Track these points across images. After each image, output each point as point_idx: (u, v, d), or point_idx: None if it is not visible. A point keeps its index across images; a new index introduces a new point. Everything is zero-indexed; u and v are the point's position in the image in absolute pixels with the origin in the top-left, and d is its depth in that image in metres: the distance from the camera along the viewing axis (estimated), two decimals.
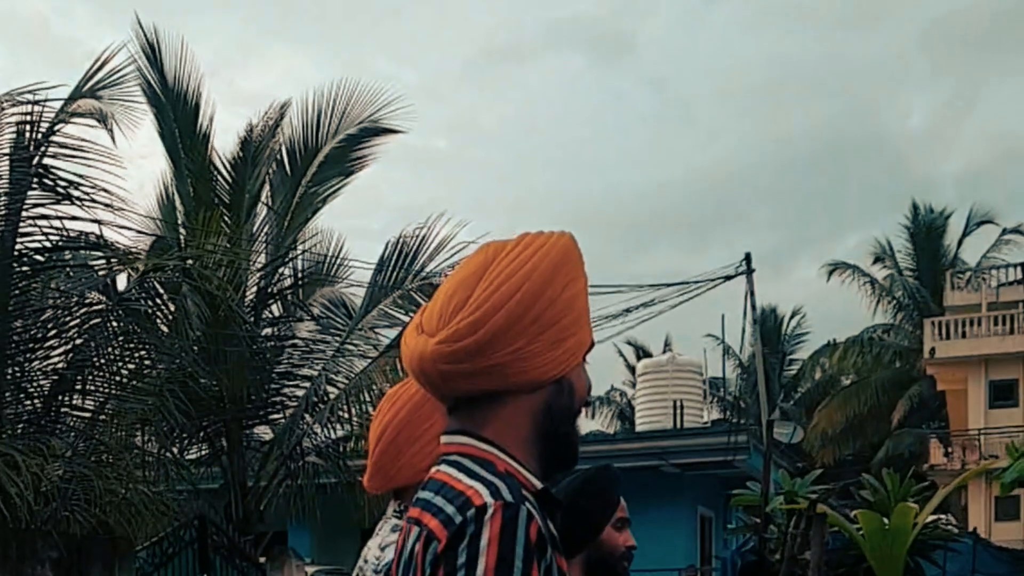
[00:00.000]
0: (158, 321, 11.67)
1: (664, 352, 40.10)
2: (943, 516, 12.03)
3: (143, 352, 11.28)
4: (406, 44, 79.38)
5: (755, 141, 70.29)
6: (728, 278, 16.37)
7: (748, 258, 16.39)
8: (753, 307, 16.32)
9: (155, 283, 11.28)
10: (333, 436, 14.42)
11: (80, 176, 9.70)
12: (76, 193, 9.82)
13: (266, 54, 71.70)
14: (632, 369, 41.14)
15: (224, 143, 16.53)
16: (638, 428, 26.62)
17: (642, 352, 45.52)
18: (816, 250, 75.33)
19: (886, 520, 8.71)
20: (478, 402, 1.74)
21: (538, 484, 1.73)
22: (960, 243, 39.93)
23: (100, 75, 10.95)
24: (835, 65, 69.81)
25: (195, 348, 11.93)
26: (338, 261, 15.00)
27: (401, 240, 13.94)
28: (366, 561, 2.87)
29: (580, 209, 66.27)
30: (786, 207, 69.50)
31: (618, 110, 75.22)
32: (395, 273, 13.98)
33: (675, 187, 71.55)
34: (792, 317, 46.00)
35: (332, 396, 13.83)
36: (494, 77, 77.84)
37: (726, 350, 45.46)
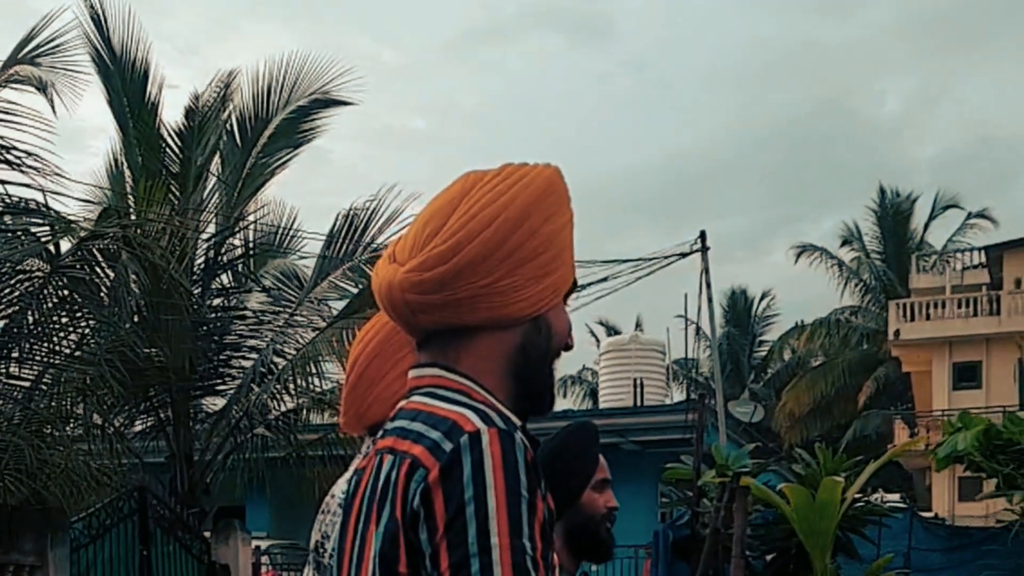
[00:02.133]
0: (101, 292, 11.54)
1: (635, 331, 40.18)
2: (879, 493, 12.15)
3: (82, 322, 11.18)
4: (386, 23, 79.21)
5: (733, 124, 70.52)
6: (683, 255, 16.34)
7: (703, 236, 16.38)
8: (708, 285, 16.30)
9: (94, 251, 11.16)
10: (282, 408, 14.32)
11: (20, 143, 9.54)
12: (9, 157, 9.68)
13: (245, 32, 71.44)
14: None
15: None
16: (601, 406, 26.70)
17: (613, 332, 45.56)
18: (793, 233, 75.79)
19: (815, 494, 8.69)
20: (448, 337, 1.67)
21: (517, 421, 1.66)
22: (926, 227, 40.22)
23: (41, 39, 10.83)
24: (813, 50, 70.13)
25: (135, 318, 11.83)
26: (290, 233, 14.89)
27: (351, 212, 13.87)
28: (332, 496, 2.82)
29: None
30: (763, 190, 69.68)
31: (597, 92, 75.29)
32: (345, 245, 13.90)
33: (653, 169, 71.73)
34: (762, 299, 46.13)
35: (280, 367, 13.75)
36: (474, 57, 77.77)
37: (697, 330, 45.63)
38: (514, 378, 1.67)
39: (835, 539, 8.89)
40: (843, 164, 66.08)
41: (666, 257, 16.13)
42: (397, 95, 76.52)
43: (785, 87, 73.14)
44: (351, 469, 2.61)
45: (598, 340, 46.55)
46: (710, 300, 16.57)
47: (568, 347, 1.75)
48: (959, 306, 33.95)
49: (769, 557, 9.81)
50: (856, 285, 39.91)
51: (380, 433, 1.71)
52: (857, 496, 9.19)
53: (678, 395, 37.41)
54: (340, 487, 2.75)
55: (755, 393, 42.59)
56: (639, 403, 24.12)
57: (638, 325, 44.39)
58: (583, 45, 77.99)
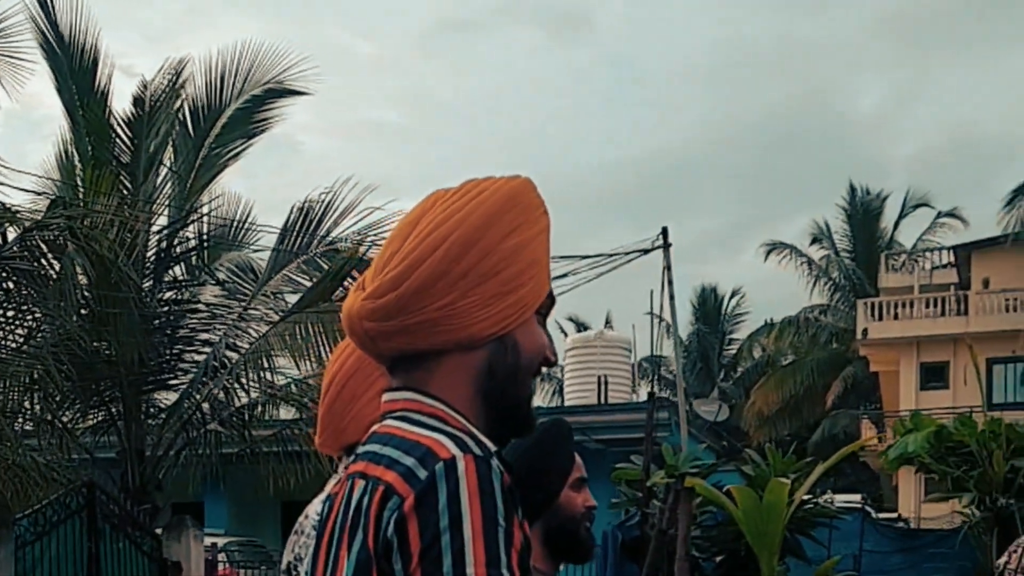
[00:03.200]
0: (47, 285, 11.35)
1: (605, 329, 40.12)
2: (828, 494, 12.09)
3: (28, 315, 11.00)
4: (362, 15, 78.94)
5: (710, 121, 70.62)
6: (645, 252, 16.24)
7: (665, 232, 16.28)
8: (670, 282, 16.20)
9: (40, 242, 10.98)
10: (236, 404, 14.15)
11: None
12: None
13: (218, 21, 71.05)
14: None
15: None
16: (566, 403, 26.57)
17: (583, 329, 45.51)
18: (768, 231, 75.93)
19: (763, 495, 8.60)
20: (415, 361, 1.62)
21: (491, 446, 1.59)
22: (896, 226, 40.29)
23: None
24: (791, 47, 70.20)
25: (83, 311, 11.65)
26: (246, 225, 14.72)
27: (306, 205, 13.71)
28: (307, 516, 2.74)
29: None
30: (738, 187, 69.67)
31: (573, 86, 75.25)
32: (300, 238, 13.74)
33: (630, 165, 71.67)
34: (732, 297, 46.15)
35: (234, 361, 13.59)
36: (450, 50, 77.59)
37: (667, 328, 45.57)
38: (484, 399, 1.62)
39: (783, 541, 8.80)
40: (819, 162, 66.27)
41: (627, 253, 16.04)
42: (371, 87, 76.37)
43: (762, 84, 73.21)
44: (325, 491, 2.53)
45: (567, 336, 46.58)
46: (672, 297, 16.48)
47: (549, 363, 1.69)
48: (927, 306, 33.98)
49: (719, 558, 9.73)
50: (825, 284, 39.94)
51: (352, 457, 1.66)
52: (806, 498, 9.10)
53: (646, 393, 37.34)
54: (315, 508, 2.68)
55: (724, 391, 42.63)
56: (604, 401, 23.99)
57: (607, 322, 44.33)
58: (560, 39, 77.92)
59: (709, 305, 46.09)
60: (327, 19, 77.51)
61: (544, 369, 1.70)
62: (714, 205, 71.13)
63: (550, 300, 1.69)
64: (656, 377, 43.43)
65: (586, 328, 44.89)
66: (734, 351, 46.37)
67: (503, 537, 1.46)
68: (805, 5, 74.75)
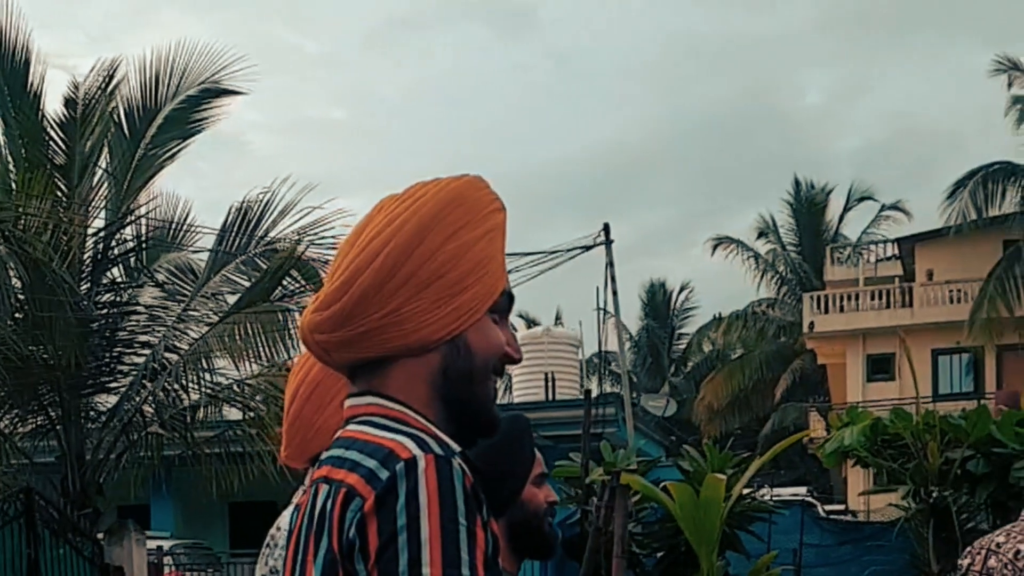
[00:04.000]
0: None
1: (556, 325, 40.14)
2: (766, 489, 12.18)
3: None
4: (307, 13, 78.61)
5: (657, 117, 71.00)
6: (587, 248, 16.28)
7: (607, 228, 16.31)
8: (613, 279, 16.25)
9: None
10: (177, 406, 14.02)
11: None
12: None
13: (162, 21, 70.48)
14: None
15: None
16: (514, 400, 26.51)
17: (534, 326, 45.53)
18: (718, 225, 76.33)
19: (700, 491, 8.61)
20: (371, 367, 1.63)
21: (455, 446, 1.58)
22: (841, 219, 40.64)
23: None
24: (735, 42, 70.58)
25: (17, 315, 11.51)
26: (184, 226, 14.58)
27: (244, 205, 13.60)
28: (279, 528, 2.70)
29: None
30: (688, 182, 70.11)
31: (521, 83, 75.32)
32: (239, 238, 13.63)
33: (578, 160, 71.82)
34: (681, 291, 46.34)
35: (173, 363, 13.47)
36: (396, 48, 77.45)
37: (620, 324, 45.57)
38: (442, 402, 1.61)
39: (722, 536, 8.82)
40: (766, 156, 66.80)
41: (569, 250, 16.06)
42: (318, 86, 76.07)
43: (708, 79, 73.67)
44: (293, 501, 2.51)
45: (516, 333, 46.58)
46: (615, 293, 16.52)
47: (511, 360, 1.67)
48: (872, 298, 34.28)
49: (659, 555, 9.75)
50: (772, 278, 40.21)
51: (320, 460, 1.65)
52: (747, 491, 9.13)
53: (602, 389, 37.42)
54: (285, 520, 2.63)
55: (675, 386, 42.82)
56: (551, 397, 23.97)
57: (558, 318, 44.40)
58: (505, 36, 78.04)
59: (658, 300, 46.29)
60: (273, 18, 77.30)
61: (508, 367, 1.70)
62: (664, 200, 71.55)
63: (508, 298, 1.68)
64: (607, 373, 43.51)
65: (537, 325, 44.97)
66: (684, 346, 46.58)
67: (465, 537, 1.45)
68: (750, 1, 75.25)
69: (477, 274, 1.61)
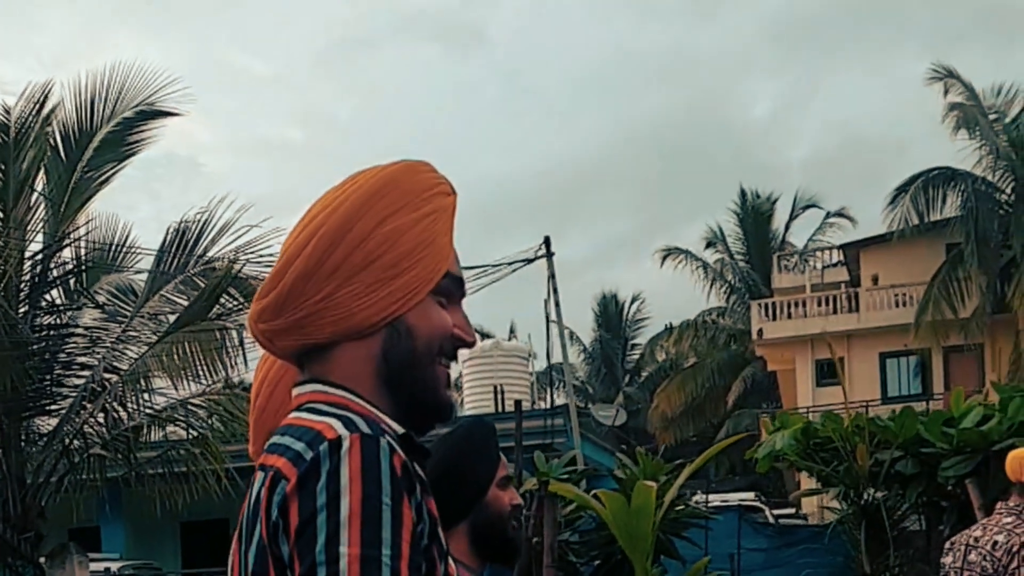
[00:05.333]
0: None
1: (510, 338, 40.20)
2: (700, 495, 12.29)
3: None
4: (256, 35, 78.47)
5: (608, 130, 71.37)
6: (529, 261, 16.36)
7: (547, 241, 16.41)
8: (555, 291, 16.32)
9: None
10: (119, 427, 13.94)
11: None
12: None
13: (115, 44, 70.27)
14: None
15: None
16: (465, 413, 26.57)
17: (487, 339, 45.54)
18: (671, 236, 76.68)
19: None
20: (314, 354, 1.63)
21: (399, 428, 1.57)
22: (787, 227, 40.97)
23: None
24: (682, 55, 71.09)
25: None
26: (123, 248, 14.53)
27: (183, 225, 13.57)
28: None
29: None
30: (641, 194, 70.43)
31: (471, 100, 75.50)
32: (177, 258, 13.60)
33: (530, 175, 72.10)
34: (633, 302, 46.53)
35: (113, 383, 13.40)
36: (347, 67, 77.39)
37: (570, 335, 45.90)
38: (385, 386, 1.60)
39: (656, 543, 8.90)
40: (717, 167, 67.24)
41: (511, 263, 16.13)
42: (270, 106, 75.90)
43: (656, 92, 74.07)
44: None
45: None
46: (557, 305, 16.60)
47: (463, 343, 1.67)
48: (819, 304, 34.55)
49: (596, 563, 9.81)
50: (721, 286, 40.46)
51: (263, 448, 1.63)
52: (677, 499, 9.21)
53: (558, 401, 37.46)
54: None
55: (630, 396, 42.97)
56: (501, 409, 24.05)
57: (512, 331, 44.45)
58: (455, 54, 78.20)
59: (611, 311, 46.45)
60: (222, 40, 77.10)
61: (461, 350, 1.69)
62: (617, 212, 71.81)
63: (455, 281, 1.67)
64: (562, 384, 43.60)
65: (490, 337, 45.00)
66: (637, 356, 46.77)
67: (389, 516, 1.42)
68: (694, 14, 75.85)
69: (415, 256, 1.60)
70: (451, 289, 1.67)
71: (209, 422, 13.94)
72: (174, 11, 78.58)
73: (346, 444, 1.45)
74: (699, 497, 12.49)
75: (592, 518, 9.72)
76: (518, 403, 10.22)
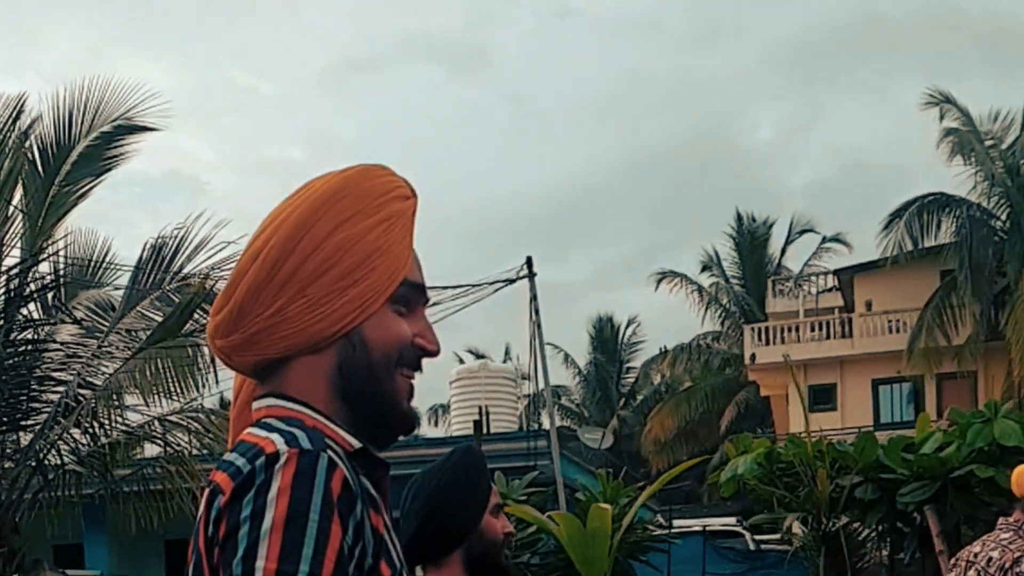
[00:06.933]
0: None
1: (506, 360, 40.23)
2: (658, 518, 12.24)
3: None
4: (261, 56, 78.80)
5: (611, 154, 71.43)
6: (510, 281, 16.33)
7: (529, 262, 16.37)
8: (536, 311, 16.31)
9: None
10: (93, 443, 13.92)
11: None
12: None
13: (119, 65, 70.63)
14: None
15: None
16: (452, 434, 26.56)
17: (481, 359, 45.48)
18: (672, 260, 76.70)
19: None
20: (271, 369, 1.59)
21: (354, 442, 1.54)
22: (783, 252, 40.91)
23: None
24: (686, 80, 71.17)
25: None
26: (102, 263, 14.55)
27: (160, 241, 13.58)
28: None
29: (438, 220, 66.25)
30: (643, 218, 70.45)
31: (475, 122, 75.67)
32: (153, 274, 13.61)
33: (533, 197, 72.13)
34: (628, 325, 46.49)
35: (88, 399, 13.39)
36: (351, 88, 77.64)
37: (566, 357, 45.87)
38: (342, 399, 1.56)
39: (615, 566, 8.87)
40: (719, 192, 67.36)
41: (492, 283, 16.12)
42: (275, 127, 76.14)
43: (660, 116, 74.23)
44: None
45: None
46: (539, 326, 16.56)
47: (427, 352, 1.62)
48: (812, 329, 34.50)
49: None
50: (716, 310, 40.40)
51: None
52: (638, 522, 9.19)
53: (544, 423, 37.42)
54: None
55: (624, 419, 42.90)
56: (487, 431, 24.02)
57: (507, 353, 44.44)
58: (459, 76, 78.38)
59: (606, 335, 46.39)
60: (227, 61, 77.37)
61: (425, 360, 1.64)
62: (619, 235, 71.83)
63: (415, 288, 1.63)
64: (555, 407, 43.57)
65: (484, 358, 44.94)
66: (632, 379, 46.69)
67: (314, 532, 1.38)
68: (700, 39, 76.00)
69: (369, 265, 1.56)
70: (411, 296, 1.62)
71: (186, 439, 13.92)
72: (179, 31, 78.98)
73: (283, 459, 1.43)
74: (658, 521, 12.42)
75: (552, 541, 9.68)
76: (476, 423, 10.18)
